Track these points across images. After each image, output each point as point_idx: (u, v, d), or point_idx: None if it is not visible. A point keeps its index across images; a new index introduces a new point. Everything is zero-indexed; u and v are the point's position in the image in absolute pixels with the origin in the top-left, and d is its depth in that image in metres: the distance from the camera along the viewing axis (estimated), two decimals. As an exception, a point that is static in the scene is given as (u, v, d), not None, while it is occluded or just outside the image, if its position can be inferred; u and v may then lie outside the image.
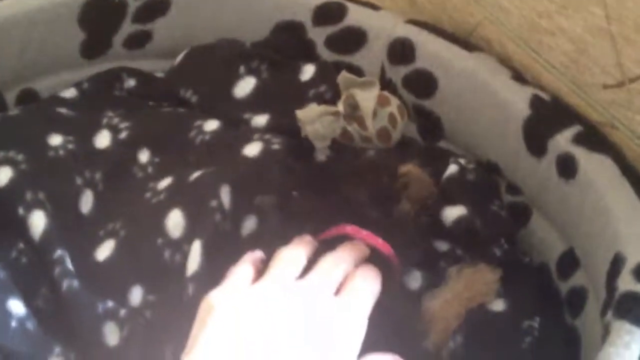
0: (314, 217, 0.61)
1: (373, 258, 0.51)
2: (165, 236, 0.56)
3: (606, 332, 0.41)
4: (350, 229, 0.52)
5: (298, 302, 0.42)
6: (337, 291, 0.45)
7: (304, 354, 0.39)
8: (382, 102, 0.67)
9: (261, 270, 0.47)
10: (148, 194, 0.60)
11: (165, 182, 0.61)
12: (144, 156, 0.65)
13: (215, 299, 0.43)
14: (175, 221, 0.56)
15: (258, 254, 0.50)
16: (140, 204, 0.59)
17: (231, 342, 0.39)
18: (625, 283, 0.43)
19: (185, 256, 0.55)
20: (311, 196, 0.61)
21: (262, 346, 0.39)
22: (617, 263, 0.45)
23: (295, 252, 0.48)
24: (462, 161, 0.63)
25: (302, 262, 0.47)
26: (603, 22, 0.49)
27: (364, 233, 0.52)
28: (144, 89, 0.75)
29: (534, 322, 0.54)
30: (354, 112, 0.66)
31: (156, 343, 0.52)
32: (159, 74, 0.77)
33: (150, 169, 0.64)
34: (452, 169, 0.62)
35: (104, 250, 0.56)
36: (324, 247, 0.50)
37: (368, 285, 0.46)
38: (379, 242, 0.51)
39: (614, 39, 0.49)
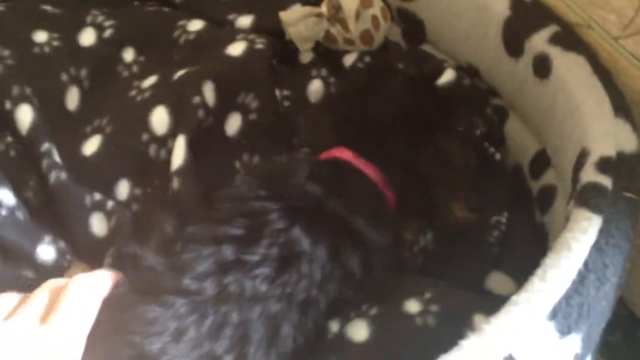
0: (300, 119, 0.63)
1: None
2: (150, 132, 0.57)
3: (567, 220, 0.42)
4: (346, 155, 0.53)
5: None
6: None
7: None
8: (365, 4, 0.67)
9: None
10: (133, 92, 0.61)
11: (149, 81, 0.62)
12: (128, 55, 0.66)
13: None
14: (159, 118, 0.57)
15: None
16: (126, 101, 0.60)
17: None
18: (588, 175, 0.44)
19: (170, 152, 0.56)
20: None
21: None
22: (582, 157, 0.47)
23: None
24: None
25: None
26: None
27: (362, 163, 0.52)
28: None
29: (502, 217, 0.56)
30: (337, 14, 0.66)
31: (142, 234, 0.54)
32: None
33: (135, 68, 0.65)
34: (449, 74, 0.62)
35: (91, 146, 0.58)
36: None
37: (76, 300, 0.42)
38: (373, 173, 0.52)
39: None
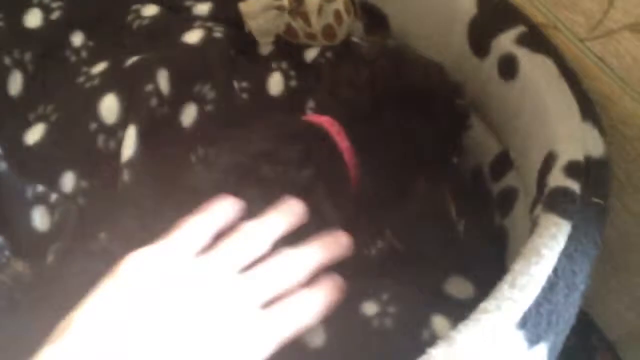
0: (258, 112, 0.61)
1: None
2: (99, 121, 0.54)
3: (534, 225, 0.41)
4: (326, 121, 0.51)
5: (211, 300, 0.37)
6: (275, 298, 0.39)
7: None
8: (328, -3, 0.65)
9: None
10: (81, 79, 0.58)
11: (99, 67, 0.59)
12: (77, 39, 0.62)
13: (126, 262, 0.38)
14: (109, 106, 0.54)
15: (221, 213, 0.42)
16: (73, 88, 0.57)
17: (117, 312, 0.35)
18: (556, 179, 0.43)
19: (119, 142, 0.53)
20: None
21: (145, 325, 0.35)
22: (549, 161, 0.46)
23: (258, 233, 0.41)
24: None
25: (261, 247, 0.40)
26: None
27: (337, 132, 0.50)
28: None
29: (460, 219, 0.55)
30: (299, 7, 0.64)
31: (88, 230, 0.51)
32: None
33: (84, 53, 0.62)
34: None
35: (34, 134, 0.54)
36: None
37: (308, 311, 0.40)
38: (346, 147, 0.51)
39: None
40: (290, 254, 0.40)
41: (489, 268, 0.46)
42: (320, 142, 0.50)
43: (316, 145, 0.49)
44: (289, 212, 0.42)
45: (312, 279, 0.40)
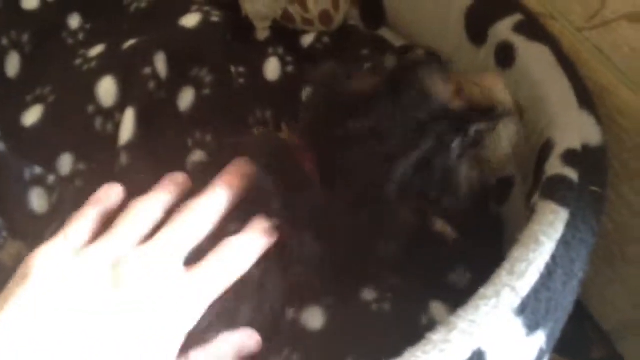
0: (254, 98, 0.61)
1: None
2: (96, 104, 0.54)
3: (532, 212, 0.42)
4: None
5: (129, 278, 0.37)
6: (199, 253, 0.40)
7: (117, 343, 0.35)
8: (325, -17, 0.65)
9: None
10: (79, 61, 0.57)
11: (97, 50, 0.58)
12: (74, 21, 0.62)
13: (36, 262, 0.37)
14: (107, 88, 0.54)
15: (108, 199, 0.43)
16: (70, 70, 0.57)
17: (38, 318, 0.34)
18: (553, 167, 0.44)
19: (117, 125, 0.53)
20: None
21: (69, 329, 0.34)
22: (546, 149, 0.46)
23: (147, 205, 0.41)
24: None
25: (154, 216, 0.41)
26: None
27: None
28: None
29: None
30: (296, -8, 0.64)
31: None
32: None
33: (81, 35, 0.61)
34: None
35: (31, 116, 0.54)
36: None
37: (239, 258, 0.40)
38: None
39: None
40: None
41: (487, 255, 0.46)
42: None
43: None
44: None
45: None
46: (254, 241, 0.41)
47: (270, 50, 0.65)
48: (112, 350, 0.34)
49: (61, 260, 0.38)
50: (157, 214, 0.41)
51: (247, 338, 0.41)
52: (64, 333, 0.34)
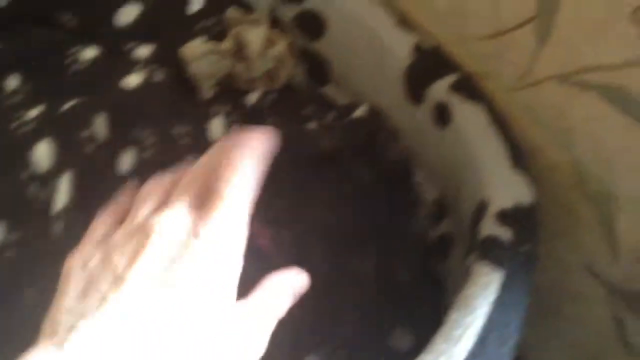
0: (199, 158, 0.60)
1: None
2: (30, 169, 0.53)
3: (467, 273, 0.42)
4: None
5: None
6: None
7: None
8: (269, 43, 0.66)
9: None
10: (14, 124, 0.56)
11: (35, 111, 0.58)
12: (12, 82, 0.61)
13: (70, 259, 0.39)
14: (42, 153, 0.53)
15: (122, 198, 0.45)
16: (5, 134, 0.56)
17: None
18: (487, 227, 0.44)
19: (53, 191, 0.52)
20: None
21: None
22: (481, 209, 0.47)
23: (151, 187, 0.43)
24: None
25: (157, 196, 0.41)
26: (482, -27, 0.50)
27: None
28: (17, 8, 0.69)
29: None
30: (240, 52, 0.65)
31: (18, 284, 0.49)
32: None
33: (19, 97, 0.60)
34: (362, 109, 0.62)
35: (-40, 184, 0.53)
36: None
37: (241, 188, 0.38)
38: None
39: (491, -9, 0.50)
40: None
41: (428, 316, 0.46)
42: None
43: None
44: None
45: None
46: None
47: (215, 109, 0.65)
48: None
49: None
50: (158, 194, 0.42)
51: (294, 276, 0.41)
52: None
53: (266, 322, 0.37)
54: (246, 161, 0.39)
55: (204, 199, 0.38)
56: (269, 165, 0.41)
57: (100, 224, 0.42)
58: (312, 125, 0.63)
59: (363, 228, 0.52)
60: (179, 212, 0.37)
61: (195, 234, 0.36)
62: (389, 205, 0.59)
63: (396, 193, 0.60)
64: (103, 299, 0.34)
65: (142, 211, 0.39)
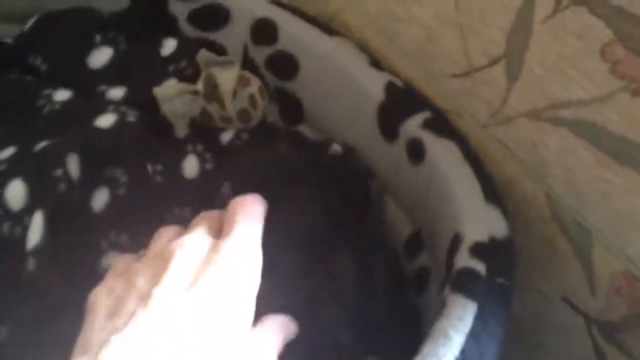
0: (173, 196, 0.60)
1: None
2: (4, 208, 0.52)
3: (442, 306, 0.42)
4: None
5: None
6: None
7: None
8: (242, 83, 0.66)
9: None
10: (-13, 165, 0.56)
11: (7, 152, 0.57)
12: (-16, 124, 0.61)
13: (94, 293, 0.41)
14: (15, 192, 0.52)
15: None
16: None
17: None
18: (462, 260, 0.45)
19: (26, 229, 0.51)
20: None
21: None
22: (455, 242, 0.47)
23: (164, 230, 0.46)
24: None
25: (173, 232, 0.45)
26: (452, 12, 0.51)
27: None
28: (-12, 54, 0.69)
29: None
30: (213, 92, 0.65)
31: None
32: (7, 40, 0.72)
33: (-10, 139, 0.60)
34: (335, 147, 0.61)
35: None
36: None
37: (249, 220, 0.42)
38: None
39: (461, 29, 0.51)
40: None
41: (405, 349, 0.46)
42: None
43: None
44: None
45: None
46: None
47: (189, 147, 0.65)
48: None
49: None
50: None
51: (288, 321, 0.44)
52: None
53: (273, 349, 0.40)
54: (252, 204, 0.44)
55: (219, 231, 0.42)
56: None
57: (120, 262, 0.44)
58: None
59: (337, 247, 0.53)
60: (198, 234, 0.41)
61: (216, 250, 0.38)
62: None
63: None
64: (132, 315, 0.35)
65: (161, 242, 0.43)
